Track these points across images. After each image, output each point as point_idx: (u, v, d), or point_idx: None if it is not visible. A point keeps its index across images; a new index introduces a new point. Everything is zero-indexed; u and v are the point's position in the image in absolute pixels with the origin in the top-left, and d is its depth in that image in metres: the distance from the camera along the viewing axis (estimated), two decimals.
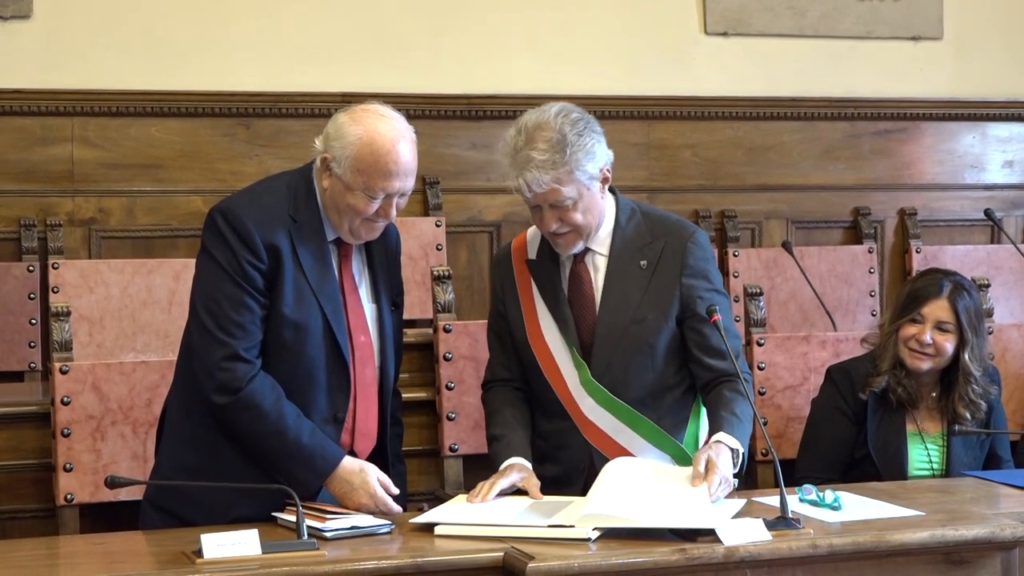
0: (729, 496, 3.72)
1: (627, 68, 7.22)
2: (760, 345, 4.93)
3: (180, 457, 3.81)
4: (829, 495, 3.70)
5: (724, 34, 7.37)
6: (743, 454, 3.73)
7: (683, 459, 3.85)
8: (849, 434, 4.54)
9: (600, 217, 3.95)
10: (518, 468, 3.84)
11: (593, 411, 3.92)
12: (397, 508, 3.71)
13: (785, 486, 3.51)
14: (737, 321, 6.53)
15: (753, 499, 3.76)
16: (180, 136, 6.64)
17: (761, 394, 4.88)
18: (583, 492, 3.67)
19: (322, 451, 3.69)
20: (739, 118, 7.38)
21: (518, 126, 3.87)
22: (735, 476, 3.71)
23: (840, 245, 7.33)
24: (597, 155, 3.88)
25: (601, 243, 3.99)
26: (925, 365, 4.50)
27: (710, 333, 3.85)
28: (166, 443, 3.89)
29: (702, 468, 3.58)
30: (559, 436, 3.97)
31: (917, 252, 7.13)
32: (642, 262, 3.95)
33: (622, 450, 3.90)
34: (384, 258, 3.92)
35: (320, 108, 6.72)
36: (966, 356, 4.48)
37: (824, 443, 4.58)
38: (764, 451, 4.80)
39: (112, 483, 3.57)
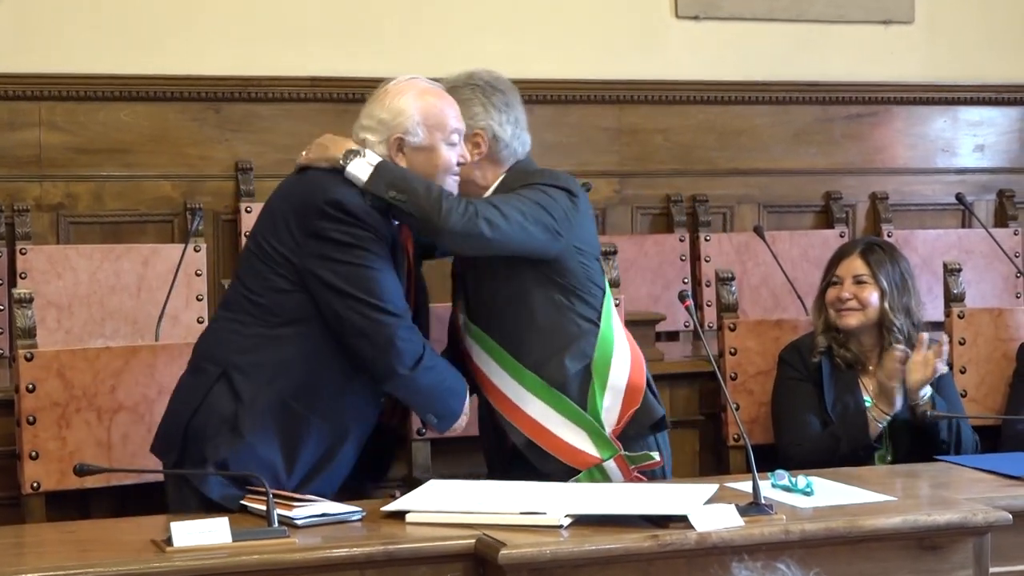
0: (702, 482, 3.73)
1: (598, 52, 7.19)
2: (732, 330, 4.93)
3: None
4: (801, 480, 3.71)
5: (695, 17, 7.35)
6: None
7: (569, 412, 3.89)
8: (813, 396, 4.61)
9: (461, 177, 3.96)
10: None
11: (478, 355, 4.00)
12: None
13: (759, 471, 3.51)
14: (708, 306, 6.58)
15: (725, 485, 3.75)
16: (149, 120, 6.59)
17: (733, 379, 4.88)
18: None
19: (460, 376, 3.94)
20: (711, 102, 7.36)
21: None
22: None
23: (812, 229, 7.32)
24: (471, 112, 4.00)
25: None
26: (852, 320, 4.62)
27: None
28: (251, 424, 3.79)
29: None
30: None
31: (888, 236, 7.11)
32: None
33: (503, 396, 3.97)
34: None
35: (290, 92, 6.69)
36: (886, 305, 4.59)
37: (794, 412, 4.63)
38: (736, 436, 4.79)
39: (81, 471, 3.55)
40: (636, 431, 3.94)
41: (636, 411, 3.92)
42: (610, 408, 3.91)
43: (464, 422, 3.94)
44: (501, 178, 4.04)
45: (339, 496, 3.73)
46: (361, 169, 3.74)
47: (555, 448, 3.88)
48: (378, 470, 4.07)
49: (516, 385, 3.91)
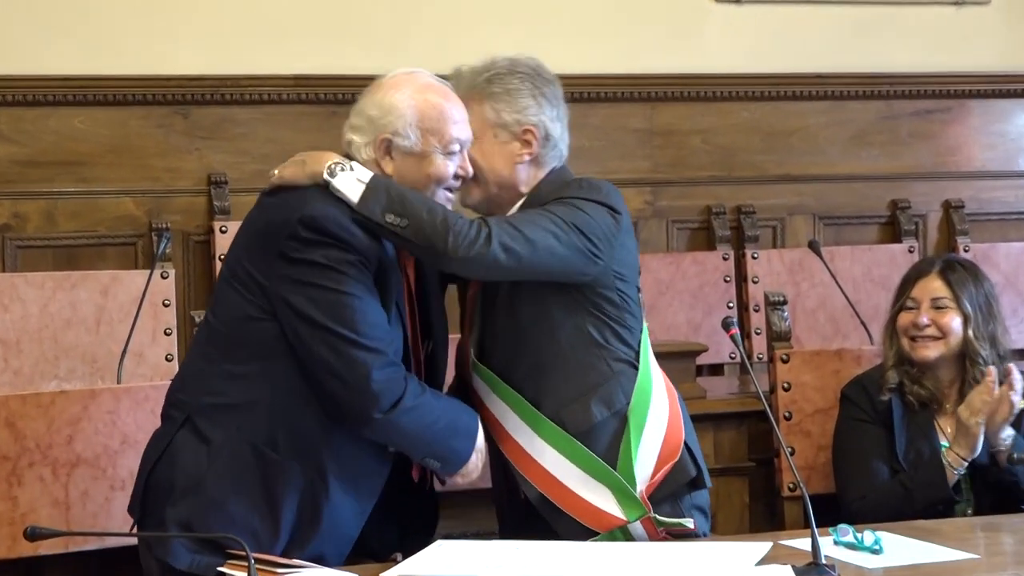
0: (753, 539, 3.71)
1: (626, 42, 7.21)
2: (784, 362, 4.90)
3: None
4: (868, 536, 3.68)
5: (737, 1, 7.37)
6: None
7: (585, 461, 3.83)
8: (881, 441, 4.57)
9: (503, 178, 3.94)
10: None
11: (487, 397, 3.95)
12: None
13: (819, 526, 3.48)
14: (757, 334, 6.56)
15: (780, 542, 3.72)
16: (108, 128, 6.62)
17: (787, 419, 4.85)
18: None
19: (467, 412, 3.87)
20: (756, 98, 7.38)
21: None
22: None
23: (876, 244, 7.34)
24: (521, 104, 3.95)
25: None
26: (932, 352, 4.57)
27: None
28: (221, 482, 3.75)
29: None
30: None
31: (965, 251, 7.12)
32: None
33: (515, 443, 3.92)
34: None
35: (270, 93, 6.70)
36: (970, 333, 4.55)
37: (859, 459, 4.58)
38: (792, 485, 4.76)
39: (33, 535, 3.52)
40: (670, 490, 3.89)
41: (672, 466, 3.88)
42: (644, 464, 3.85)
43: (477, 465, 3.87)
44: (535, 185, 4.00)
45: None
46: (350, 186, 3.68)
47: (572, 507, 3.82)
48: (420, 534, 3.99)
49: (531, 433, 3.86)
